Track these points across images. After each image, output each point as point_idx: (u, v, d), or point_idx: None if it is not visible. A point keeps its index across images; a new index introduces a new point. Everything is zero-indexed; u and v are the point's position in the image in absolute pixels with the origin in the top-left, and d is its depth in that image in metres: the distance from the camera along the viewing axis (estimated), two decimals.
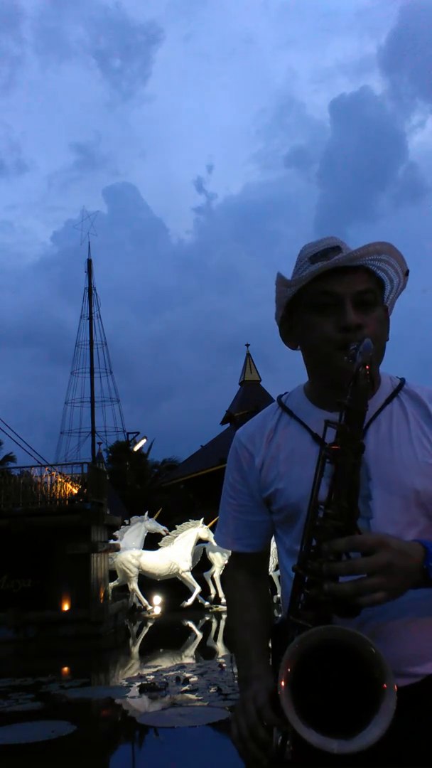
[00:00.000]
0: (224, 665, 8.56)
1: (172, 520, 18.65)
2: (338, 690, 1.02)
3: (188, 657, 10.08)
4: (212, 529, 16.86)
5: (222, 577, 16.62)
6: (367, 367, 1.12)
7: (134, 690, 7.54)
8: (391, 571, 1.04)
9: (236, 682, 1.44)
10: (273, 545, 1.45)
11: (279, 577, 1.42)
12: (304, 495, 1.24)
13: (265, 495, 1.37)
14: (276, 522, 1.39)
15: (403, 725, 1.04)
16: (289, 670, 1.00)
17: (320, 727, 0.99)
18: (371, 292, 1.26)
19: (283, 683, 1.00)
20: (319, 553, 1.08)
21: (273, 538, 1.46)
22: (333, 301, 1.24)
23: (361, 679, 1.00)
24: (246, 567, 1.49)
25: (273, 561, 8.04)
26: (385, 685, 0.98)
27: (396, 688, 0.98)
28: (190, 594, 16.46)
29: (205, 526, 16.60)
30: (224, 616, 14.80)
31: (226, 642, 11.46)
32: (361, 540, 1.06)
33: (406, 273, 1.31)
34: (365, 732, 0.97)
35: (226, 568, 1.56)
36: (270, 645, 1.39)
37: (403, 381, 1.37)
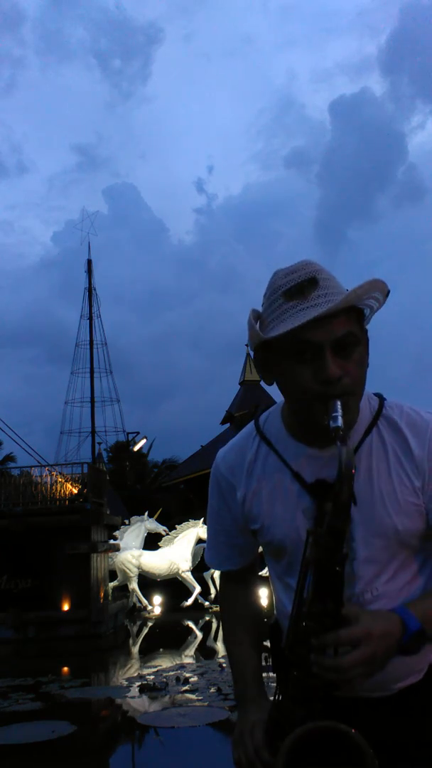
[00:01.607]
0: (224, 665, 8.55)
1: (172, 520, 18.65)
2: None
3: (188, 657, 10.08)
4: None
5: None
6: (350, 485, 1.11)
7: (134, 690, 7.54)
8: (374, 660, 1.12)
9: (235, 698, 1.53)
10: None
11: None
12: (289, 535, 1.29)
13: (251, 528, 1.38)
14: (264, 550, 1.41)
15: (391, 728, 1.18)
16: (284, 761, 1.12)
17: None
18: (351, 334, 1.18)
19: None
20: (307, 640, 1.14)
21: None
22: (311, 350, 1.16)
23: (348, 760, 1.10)
24: (235, 581, 1.54)
25: None
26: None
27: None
28: (190, 594, 16.46)
29: (205, 526, 16.48)
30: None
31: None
32: (347, 637, 1.11)
33: (387, 293, 1.24)
34: None
35: (220, 579, 1.59)
36: (268, 643, 1.43)
37: (381, 402, 1.32)
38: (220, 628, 13.00)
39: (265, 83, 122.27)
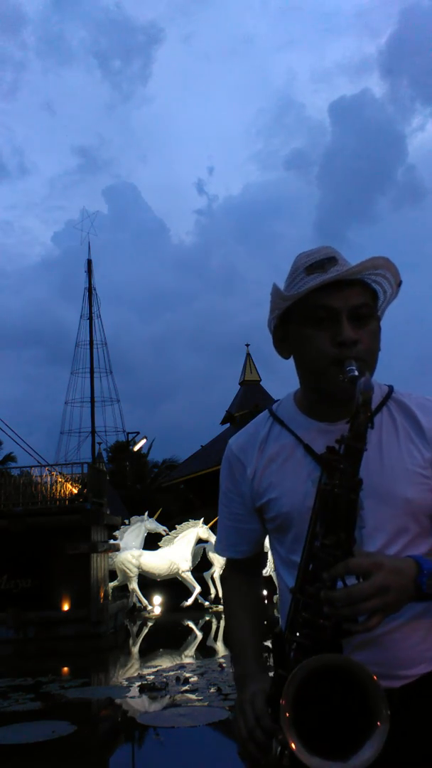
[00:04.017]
0: (224, 665, 8.56)
1: (172, 520, 18.66)
2: (335, 712, 1.06)
3: (188, 657, 10.08)
4: (212, 529, 16.91)
5: (222, 577, 16.56)
6: (368, 407, 1.12)
7: (134, 690, 7.54)
8: (387, 592, 1.07)
9: (234, 681, 1.49)
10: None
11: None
12: (296, 505, 1.29)
13: (258, 504, 1.39)
14: (269, 530, 1.41)
15: (398, 726, 1.07)
16: (290, 695, 1.05)
17: (319, 749, 1.04)
18: (366, 305, 1.26)
19: (286, 714, 1.05)
20: (317, 578, 1.11)
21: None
22: (329, 315, 1.24)
23: (357, 702, 1.05)
24: (241, 570, 1.54)
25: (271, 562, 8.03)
26: (381, 704, 1.03)
27: (389, 714, 1.03)
28: (190, 594, 16.46)
29: (205, 526, 16.60)
30: (224, 617, 14.79)
31: (226, 642, 11.45)
32: (357, 564, 1.08)
33: (399, 284, 1.31)
34: (360, 753, 1.03)
35: (225, 570, 1.60)
36: (269, 649, 1.41)
37: (391, 389, 1.37)
38: (221, 628, 12.97)
39: (264, 83, 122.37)
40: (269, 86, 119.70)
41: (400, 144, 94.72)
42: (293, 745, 1.03)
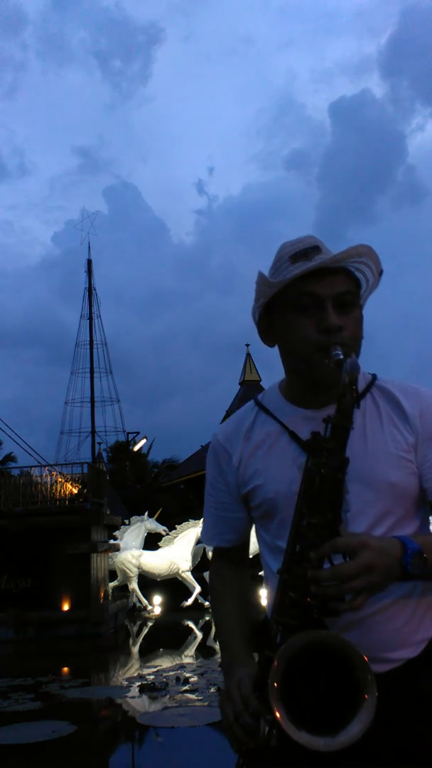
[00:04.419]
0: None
1: (172, 520, 18.65)
2: (323, 688, 1.07)
3: (188, 657, 10.09)
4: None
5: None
6: (354, 387, 1.14)
7: (134, 690, 7.54)
8: (373, 571, 1.09)
9: (221, 668, 1.49)
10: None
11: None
12: (281, 491, 1.30)
13: (243, 492, 1.40)
14: (255, 518, 1.42)
15: (384, 711, 1.09)
16: (278, 671, 1.06)
17: (307, 725, 1.04)
18: (350, 293, 1.28)
19: (274, 684, 1.05)
20: (303, 558, 1.12)
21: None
22: (313, 302, 1.26)
23: (344, 678, 1.06)
24: (227, 559, 1.55)
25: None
26: (368, 677, 1.05)
27: (376, 687, 1.04)
28: (190, 594, 16.46)
29: None
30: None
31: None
32: (344, 543, 1.10)
33: (380, 273, 1.33)
34: (348, 729, 1.04)
35: (212, 559, 1.60)
36: (256, 638, 1.41)
37: (374, 377, 1.40)
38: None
39: (264, 83, 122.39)
40: (269, 86, 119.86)
41: (400, 144, 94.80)
42: (281, 722, 1.03)
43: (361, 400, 1.30)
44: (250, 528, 1.48)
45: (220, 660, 8.97)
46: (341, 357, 1.18)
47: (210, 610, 14.55)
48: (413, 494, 1.30)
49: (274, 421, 1.36)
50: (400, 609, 1.27)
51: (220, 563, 1.55)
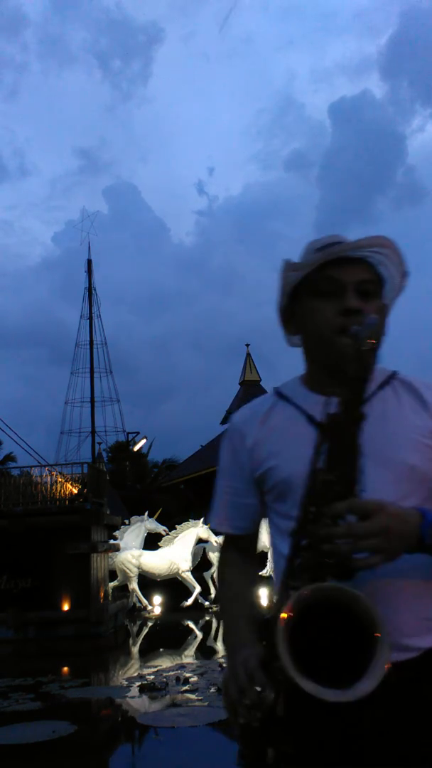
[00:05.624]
0: (224, 665, 8.55)
1: (172, 520, 18.65)
2: (333, 645, 1.05)
3: (188, 657, 10.08)
4: (212, 529, 16.88)
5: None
6: (372, 340, 1.15)
7: (134, 690, 7.54)
8: (388, 534, 1.08)
9: (225, 650, 1.46)
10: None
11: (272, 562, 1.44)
12: (296, 471, 1.28)
13: (257, 474, 1.39)
14: (268, 502, 1.40)
15: (402, 704, 1.07)
16: (286, 623, 1.04)
17: (316, 678, 1.02)
18: (372, 282, 1.31)
19: (281, 635, 1.03)
20: (318, 518, 1.11)
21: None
22: (335, 288, 1.28)
23: (355, 634, 1.04)
24: (235, 546, 1.54)
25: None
26: (377, 635, 1.02)
27: (388, 640, 1.02)
28: (190, 594, 16.47)
29: (205, 526, 16.60)
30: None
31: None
32: (361, 504, 1.10)
33: (405, 275, 1.34)
34: (360, 683, 1.01)
35: (221, 547, 1.60)
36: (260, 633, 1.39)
37: (395, 372, 1.40)
38: (221, 627, 13.01)
39: (264, 83, 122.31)
40: (269, 86, 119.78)
41: (400, 145, 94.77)
42: (288, 670, 1.00)
43: (381, 390, 1.32)
44: (261, 517, 1.47)
45: (221, 656, 8.99)
46: (359, 328, 1.18)
47: (209, 609, 14.56)
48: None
49: (292, 406, 1.37)
50: (422, 592, 1.24)
51: (228, 549, 1.55)
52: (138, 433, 31.22)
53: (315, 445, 1.18)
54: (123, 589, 16.43)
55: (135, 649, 11.89)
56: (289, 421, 1.36)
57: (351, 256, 1.30)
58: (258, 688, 1.13)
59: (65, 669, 9.74)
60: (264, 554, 12.85)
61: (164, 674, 8.33)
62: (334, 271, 1.29)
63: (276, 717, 1.12)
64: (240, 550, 1.54)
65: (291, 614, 1.04)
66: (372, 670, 1.01)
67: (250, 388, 30.08)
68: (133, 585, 16.22)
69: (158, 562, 16.23)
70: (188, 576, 16.47)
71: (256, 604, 1.47)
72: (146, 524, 17.05)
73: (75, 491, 14.49)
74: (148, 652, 11.21)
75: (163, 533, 17.04)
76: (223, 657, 9.36)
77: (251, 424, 1.41)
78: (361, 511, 1.09)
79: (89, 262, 30.77)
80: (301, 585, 1.10)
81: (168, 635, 13.12)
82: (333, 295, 1.28)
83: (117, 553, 15.66)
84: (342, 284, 1.28)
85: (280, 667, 1.05)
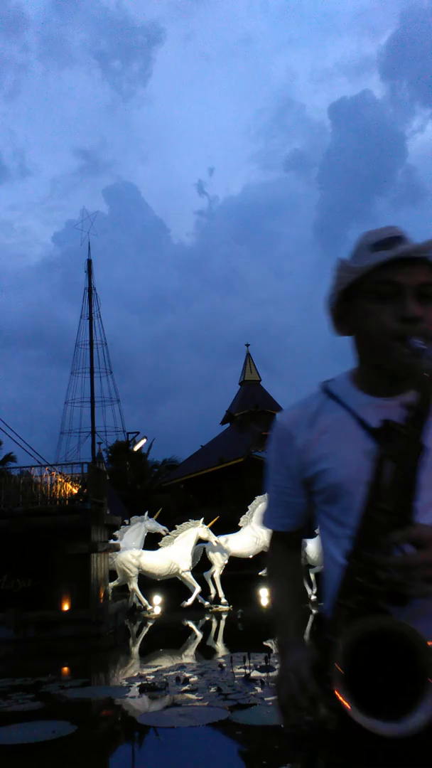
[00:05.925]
0: (224, 665, 8.55)
1: (172, 520, 18.65)
2: (386, 675, 1.07)
3: (188, 657, 10.08)
4: (212, 529, 16.91)
5: (221, 576, 16.77)
6: None
7: (134, 690, 7.54)
8: None
9: (276, 649, 1.49)
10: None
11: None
12: (348, 476, 1.27)
13: (306, 476, 1.38)
14: (317, 503, 1.40)
15: None
16: (342, 655, 1.05)
17: (369, 710, 1.03)
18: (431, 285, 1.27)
19: (339, 668, 1.04)
20: (373, 543, 1.12)
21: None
22: (394, 291, 1.24)
23: (410, 667, 1.05)
24: (283, 543, 1.55)
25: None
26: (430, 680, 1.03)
27: None
28: (190, 594, 16.46)
29: (205, 526, 16.60)
30: (224, 616, 14.84)
31: (227, 641, 11.47)
32: (418, 533, 1.09)
33: None
34: (412, 717, 1.02)
35: (269, 543, 1.61)
36: (311, 628, 1.41)
37: None
38: (221, 627, 12.95)
39: (264, 83, 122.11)
40: (269, 86, 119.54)
41: (400, 145, 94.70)
42: (347, 705, 1.02)
43: None
44: (308, 516, 1.47)
45: (222, 656, 8.97)
46: (421, 346, 1.16)
47: (209, 609, 14.54)
48: None
49: (342, 408, 1.34)
50: None
51: (277, 546, 1.56)
52: (138, 433, 31.20)
53: (373, 457, 1.17)
54: (123, 589, 16.42)
55: (135, 649, 11.88)
56: (340, 423, 1.33)
57: (413, 257, 1.25)
58: (309, 697, 1.16)
59: (65, 669, 9.73)
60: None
61: (164, 674, 8.33)
62: (392, 273, 1.24)
63: (326, 729, 1.13)
64: (287, 545, 1.55)
65: (348, 647, 1.05)
66: (425, 704, 1.03)
67: (250, 388, 30.13)
68: (133, 585, 16.21)
69: (158, 562, 16.23)
70: (188, 576, 16.46)
71: (305, 600, 1.49)
72: (146, 524, 17.05)
73: (75, 491, 14.49)
74: (148, 652, 11.20)
75: (163, 533, 17.03)
76: (223, 657, 9.36)
77: (300, 426, 1.38)
78: (418, 542, 1.08)
79: (89, 262, 30.75)
80: (353, 606, 1.11)
81: (168, 635, 13.10)
82: (391, 299, 1.24)
83: (117, 553, 15.65)
84: (401, 288, 1.24)
85: (333, 702, 1.06)
